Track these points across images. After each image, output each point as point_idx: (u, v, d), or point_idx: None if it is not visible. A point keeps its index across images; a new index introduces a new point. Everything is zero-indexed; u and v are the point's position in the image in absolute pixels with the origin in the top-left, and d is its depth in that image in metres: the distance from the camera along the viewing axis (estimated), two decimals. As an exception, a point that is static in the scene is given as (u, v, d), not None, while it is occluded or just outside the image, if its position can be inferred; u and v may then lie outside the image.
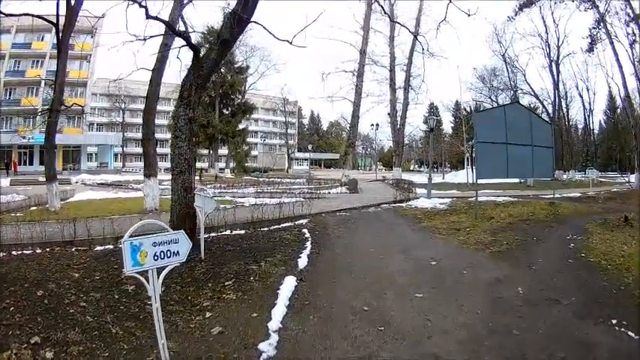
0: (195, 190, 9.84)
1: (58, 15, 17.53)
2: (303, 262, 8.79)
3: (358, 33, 38.96)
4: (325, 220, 14.89)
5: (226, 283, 7.28)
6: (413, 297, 6.80)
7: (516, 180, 44.54)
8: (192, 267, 8.07)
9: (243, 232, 12.48)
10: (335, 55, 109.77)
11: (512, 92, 51.74)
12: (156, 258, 4.37)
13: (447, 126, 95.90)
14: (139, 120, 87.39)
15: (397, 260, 9.26)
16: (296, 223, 13.94)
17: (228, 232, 12.39)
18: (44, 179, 18.19)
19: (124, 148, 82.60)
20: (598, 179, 35.57)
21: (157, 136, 73.37)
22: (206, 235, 11.13)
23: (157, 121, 68.23)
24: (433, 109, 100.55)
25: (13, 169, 47.25)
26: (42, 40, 53.88)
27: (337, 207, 18.09)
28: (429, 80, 73.84)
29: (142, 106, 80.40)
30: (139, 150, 75.08)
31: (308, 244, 10.48)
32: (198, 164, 69.99)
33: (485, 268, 8.61)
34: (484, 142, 15.62)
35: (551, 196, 21.23)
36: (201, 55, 9.96)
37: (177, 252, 4.56)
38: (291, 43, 9.93)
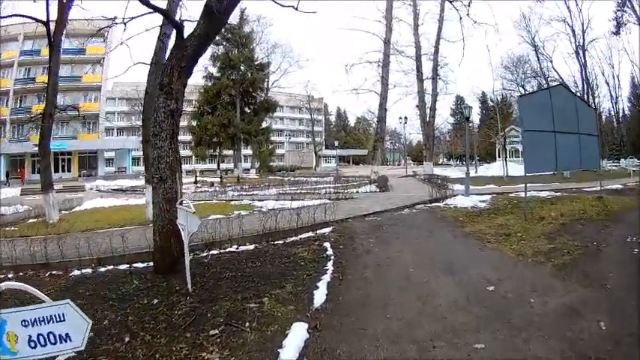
0: (182, 202, 7.76)
1: (48, 13, 16.76)
2: (320, 295, 6.68)
3: (381, 22, 37.19)
4: (352, 227, 12.74)
5: (211, 333, 5.39)
6: (471, 349, 4.85)
7: (550, 171, 43.21)
8: (173, 303, 6.37)
9: (252, 247, 10.55)
10: (359, 47, 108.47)
11: (538, 81, 49.97)
12: (33, 345, 2.65)
13: (475, 117, 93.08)
14: None
15: (444, 285, 7.14)
16: (318, 232, 11.87)
17: (234, 247, 10.52)
18: (59, 187, 17.05)
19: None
20: (632, 169, 33.13)
21: None
22: (204, 254, 9.61)
23: None
24: (460, 101, 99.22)
25: (20, 178, 46.95)
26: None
27: (366, 210, 15.96)
28: (455, 70, 71.60)
29: None
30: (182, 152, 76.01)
31: (329, 266, 8.40)
32: (223, 165, 70.28)
33: (554, 291, 6.72)
34: (532, 130, 13.51)
35: (596, 189, 19.28)
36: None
37: (67, 336, 2.70)
38: (296, 8, 7.95)
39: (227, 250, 10.29)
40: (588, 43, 47.36)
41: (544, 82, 48.86)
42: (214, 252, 10.02)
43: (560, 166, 14.55)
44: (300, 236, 11.51)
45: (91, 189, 35.12)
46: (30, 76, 54.01)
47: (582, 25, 46.51)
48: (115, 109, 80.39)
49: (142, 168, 74.14)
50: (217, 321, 5.72)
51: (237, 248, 10.39)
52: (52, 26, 16.72)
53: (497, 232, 11.33)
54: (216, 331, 5.41)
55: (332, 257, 9.05)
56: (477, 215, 14.28)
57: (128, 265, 9.12)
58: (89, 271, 8.74)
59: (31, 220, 16.80)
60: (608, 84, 52.70)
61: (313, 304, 6.34)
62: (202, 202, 21.79)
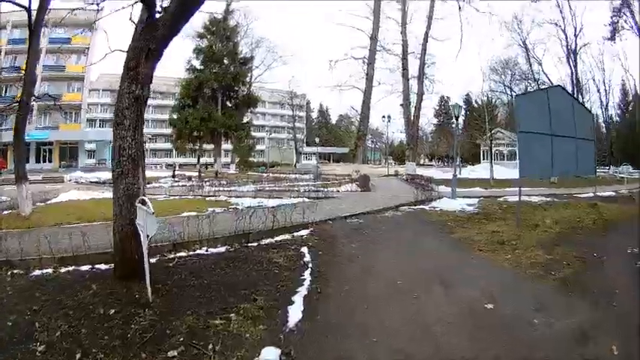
0: (144, 200, 6.77)
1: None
2: (295, 312, 5.74)
3: (369, 18, 36.75)
4: (332, 230, 11.85)
5: (170, 355, 4.56)
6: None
7: (546, 177, 42.74)
8: (130, 316, 5.50)
9: (223, 249, 9.58)
10: (344, 44, 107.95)
11: (526, 84, 49.34)
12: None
13: (460, 119, 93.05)
14: (145, 115, 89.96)
15: (437, 302, 6.28)
16: (295, 235, 10.95)
17: (204, 249, 9.50)
18: (38, 178, 16.05)
19: None
20: (620, 176, 32.91)
21: (150, 130, 72.17)
22: (172, 256, 8.66)
23: (149, 115, 66.84)
24: (444, 102, 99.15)
25: (1, 167, 45.19)
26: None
27: (347, 210, 15.09)
28: (442, 72, 71.53)
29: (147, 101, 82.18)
30: (147, 146, 75.61)
31: (306, 275, 7.49)
32: (203, 160, 69.51)
33: (558, 309, 5.98)
34: (528, 132, 12.73)
35: (589, 195, 19.25)
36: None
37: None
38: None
39: (196, 252, 9.29)
40: (580, 48, 48.04)
41: (534, 85, 48.34)
42: (182, 254, 9.03)
43: (555, 171, 13.81)
44: (276, 238, 10.59)
45: (70, 180, 34.05)
46: (16, 64, 52.72)
47: (575, 29, 47.20)
48: (98, 101, 79.10)
49: None
50: (177, 340, 4.85)
51: (207, 251, 9.40)
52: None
53: (489, 239, 10.58)
54: (175, 353, 4.57)
55: (310, 265, 8.15)
56: (465, 220, 13.52)
57: (90, 267, 8.13)
58: (50, 271, 7.87)
59: (5, 212, 15.69)
60: (598, 90, 52.74)
61: (287, 324, 5.41)
62: (178, 197, 21.12)
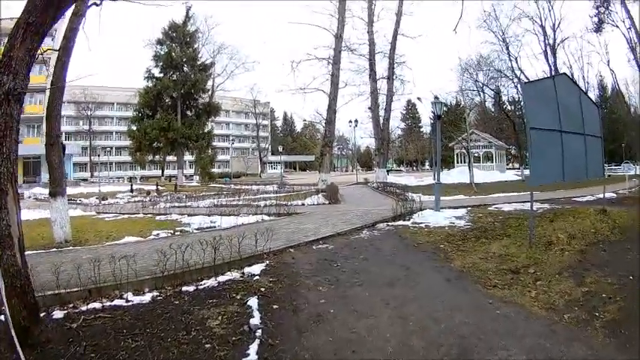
0: None
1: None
2: None
3: (333, 16, 34.56)
4: (294, 264, 9.02)
5: None
6: None
7: (515, 177, 41.44)
8: None
9: (149, 297, 6.82)
10: (307, 45, 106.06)
11: (500, 82, 49.71)
12: None
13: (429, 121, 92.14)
14: (108, 127, 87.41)
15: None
16: (244, 273, 8.08)
17: (124, 297, 6.75)
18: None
19: (95, 158, 79.98)
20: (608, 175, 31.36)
21: (114, 142, 71.31)
22: (83, 308, 6.35)
23: (113, 127, 66.22)
24: (411, 106, 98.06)
25: None
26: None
27: (314, 232, 12.27)
28: (414, 71, 69.92)
29: (109, 113, 79.93)
30: (112, 158, 73.52)
31: (252, 354, 4.82)
32: (168, 172, 68.01)
33: None
34: (539, 128, 10.17)
35: (589, 198, 17.81)
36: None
37: None
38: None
39: (114, 302, 6.57)
40: (559, 43, 46.85)
41: (510, 83, 48.81)
42: (97, 305, 6.39)
43: (567, 174, 11.30)
44: (220, 278, 7.75)
45: (30, 197, 32.05)
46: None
47: (554, 24, 46.00)
48: (63, 113, 75.57)
49: (83, 174, 72.72)
50: None
51: (127, 301, 6.59)
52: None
53: (499, 267, 8.21)
54: None
55: (258, 332, 5.37)
56: (461, 239, 10.93)
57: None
58: None
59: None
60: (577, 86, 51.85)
61: None
62: (126, 216, 18.97)
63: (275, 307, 6.34)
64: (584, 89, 50.04)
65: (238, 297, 6.69)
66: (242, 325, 5.56)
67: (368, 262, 9.17)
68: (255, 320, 5.67)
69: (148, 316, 5.98)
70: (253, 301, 6.38)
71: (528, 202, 14.91)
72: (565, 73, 20.26)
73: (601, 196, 15.65)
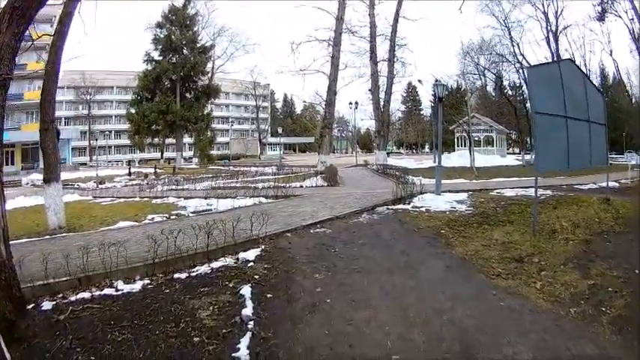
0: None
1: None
2: None
3: None
4: (290, 249, 8.77)
5: None
6: None
7: (516, 162, 41.22)
8: None
9: (139, 285, 6.59)
10: (307, 26, 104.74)
11: (501, 67, 49.51)
12: None
13: (429, 104, 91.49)
14: (108, 111, 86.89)
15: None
16: (239, 259, 7.85)
17: (115, 286, 6.54)
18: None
19: (93, 142, 78.80)
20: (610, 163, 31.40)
21: (114, 126, 71.27)
22: (72, 298, 6.11)
23: (113, 111, 65.81)
24: (411, 89, 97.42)
25: None
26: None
27: (311, 215, 12.04)
28: (415, 54, 69.67)
29: (109, 97, 78.98)
30: (111, 142, 73.31)
31: (242, 348, 4.56)
32: (167, 154, 67.77)
33: None
34: (545, 113, 9.90)
35: (590, 186, 17.69)
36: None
37: None
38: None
39: (103, 291, 6.33)
40: (562, 30, 46.20)
41: (511, 67, 48.45)
42: (85, 295, 6.15)
43: (571, 162, 11.05)
44: (212, 264, 7.53)
45: (27, 184, 32.23)
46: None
47: (556, 12, 45.36)
48: (63, 98, 75.96)
49: (83, 159, 72.56)
50: None
51: (117, 290, 6.37)
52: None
53: (502, 255, 7.95)
54: None
55: (250, 323, 5.12)
56: (462, 224, 10.67)
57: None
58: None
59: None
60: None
61: None
62: (122, 200, 18.71)
63: (269, 296, 6.09)
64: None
65: (231, 285, 6.46)
66: (234, 316, 5.31)
67: (367, 247, 8.91)
68: (248, 311, 5.40)
69: (136, 306, 5.73)
70: (246, 290, 6.13)
71: (530, 187, 14.73)
72: (570, 59, 19.91)
73: (604, 184, 15.29)
